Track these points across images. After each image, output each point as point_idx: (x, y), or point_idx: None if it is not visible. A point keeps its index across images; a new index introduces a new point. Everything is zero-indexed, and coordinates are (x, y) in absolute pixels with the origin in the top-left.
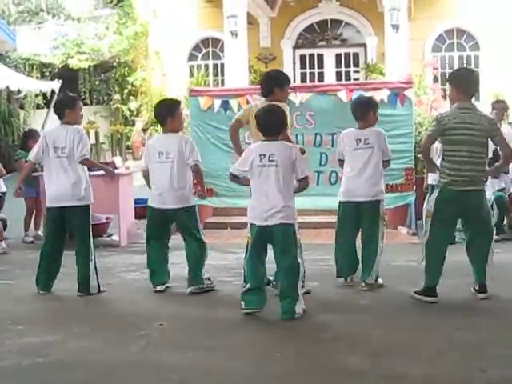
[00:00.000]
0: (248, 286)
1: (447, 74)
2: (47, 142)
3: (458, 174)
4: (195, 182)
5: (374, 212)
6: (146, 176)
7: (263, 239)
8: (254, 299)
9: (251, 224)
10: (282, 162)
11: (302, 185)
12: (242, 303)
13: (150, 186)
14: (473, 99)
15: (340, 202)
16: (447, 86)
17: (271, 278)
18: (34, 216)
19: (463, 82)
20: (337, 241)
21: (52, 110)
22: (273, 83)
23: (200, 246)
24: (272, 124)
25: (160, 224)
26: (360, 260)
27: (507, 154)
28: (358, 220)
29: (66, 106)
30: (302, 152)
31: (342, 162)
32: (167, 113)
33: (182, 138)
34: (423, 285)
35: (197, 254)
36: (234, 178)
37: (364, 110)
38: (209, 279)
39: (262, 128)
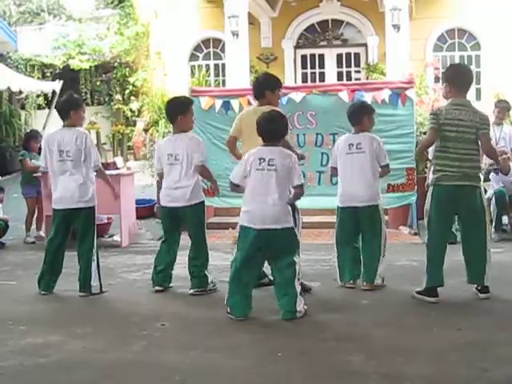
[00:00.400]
0: (231, 293)
1: None
2: (49, 145)
3: (447, 169)
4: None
5: (373, 217)
6: (162, 177)
7: (260, 243)
8: (237, 303)
9: (245, 227)
10: (281, 167)
11: (298, 192)
12: (228, 309)
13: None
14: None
15: (338, 208)
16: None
17: (272, 278)
18: (35, 216)
19: (456, 78)
20: (338, 246)
21: (53, 110)
22: (264, 86)
23: (203, 248)
24: (274, 131)
25: (170, 222)
26: (362, 262)
27: (489, 153)
28: (358, 224)
29: (71, 107)
30: (302, 157)
31: (334, 170)
32: (179, 111)
33: (190, 139)
34: (424, 285)
35: (200, 257)
36: (235, 187)
37: (358, 115)
38: (212, 282)
39: (264, 135)
